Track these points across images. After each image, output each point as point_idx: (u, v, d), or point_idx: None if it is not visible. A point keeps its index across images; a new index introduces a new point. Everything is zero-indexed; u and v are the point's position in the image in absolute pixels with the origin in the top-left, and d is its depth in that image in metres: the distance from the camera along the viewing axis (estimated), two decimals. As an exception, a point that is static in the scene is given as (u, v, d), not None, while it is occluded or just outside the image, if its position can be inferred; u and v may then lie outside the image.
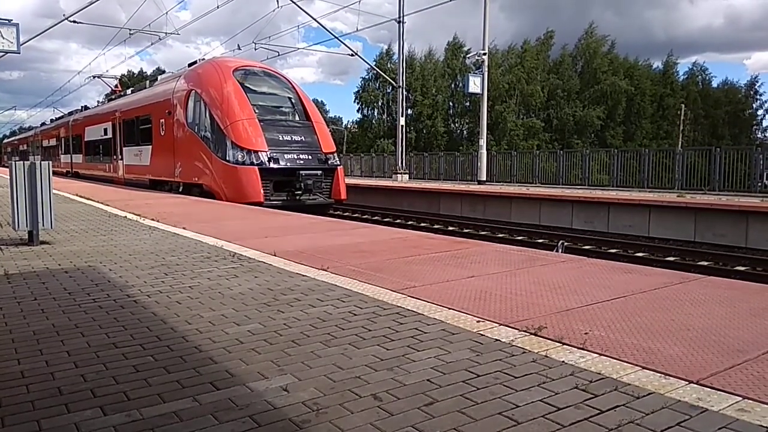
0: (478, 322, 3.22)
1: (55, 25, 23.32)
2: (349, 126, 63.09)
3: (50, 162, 6.54)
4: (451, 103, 54.37)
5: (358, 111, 58.07)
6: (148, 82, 21.54)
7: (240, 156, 13.05)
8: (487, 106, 21.26)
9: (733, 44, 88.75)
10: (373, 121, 55.78)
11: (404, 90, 24.28)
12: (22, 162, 6.32)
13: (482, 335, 2.99)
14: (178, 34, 27.78)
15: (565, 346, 2.80)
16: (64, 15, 21.94)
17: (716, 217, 12.05)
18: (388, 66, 48.06)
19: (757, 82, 56.32)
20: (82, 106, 30.58)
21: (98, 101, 32.09)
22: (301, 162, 13.61)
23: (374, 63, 46.20)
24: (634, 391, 2.26)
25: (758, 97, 56.01)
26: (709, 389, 2.27)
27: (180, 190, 15.60)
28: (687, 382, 2.34)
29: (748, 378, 2.38)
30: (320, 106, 58.23)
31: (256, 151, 13.07)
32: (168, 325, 3.22)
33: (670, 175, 17.14)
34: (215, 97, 14.03)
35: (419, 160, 28.21)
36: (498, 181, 21.77)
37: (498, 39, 64.95)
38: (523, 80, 49.99)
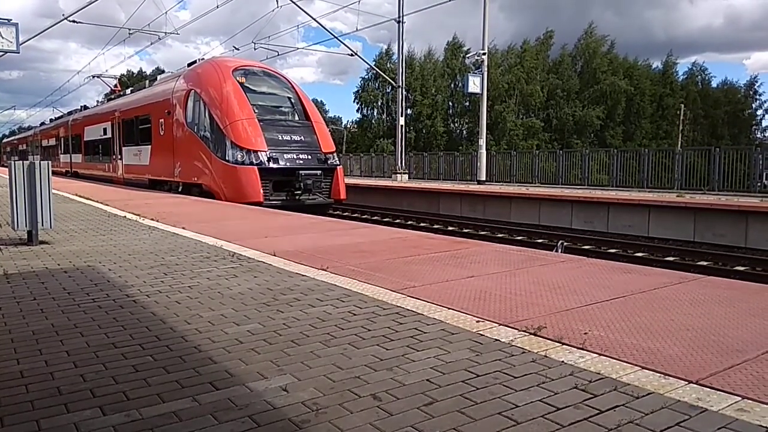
0: (477, 322, 3.22)
1: (55, 24, 23.35)
2: (348, 126, 63.12)
3: (49, 162, 6.53)
4: (450, 103, 54.38)
5: (357, 111, 58.17)
6: (147, 81, 21.53)
7: (239, 156, 13.05)
8: (486, 105, 21.26)
9: (732, 44, 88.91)
10: (373, 121, 55.79)
11: (404, 90, 24.27)
12: (21, 162, 6.32)
13: (482, 335, 2.99)
14: (177, 33, 27.82)
15: (564, 346, 2.80)
16: (63, 15, 22.00)
17: (716, 217, 12.05)
18: (388, 66, 48.08)
19: (757, 82, 56.42)
20: (81, 106, 30.58)
21: (97, 101, 32.14)
22: (301, 162, 13.61)
23: (374, 63, 46.22)
24: (634, 391, 2.26)
25: (758, 97, 56.14)
26: (708, 389, 2.27)
27: (179, 189, 15.59)
28: (686, 382, 2.34)
29: (748, 378, 2.38)
30: (320, 105, 58.26)
31: (255, 151, 13.07)
32: (167, 324, 3.22)
33: (669, 175, 17.15)
34: (215, 97, 14.02)
35: (419, 160, 28.21)
36: (497, 181, 21.77)
37: (497, 39, 65.02)
38: (523, 80, 49.99)
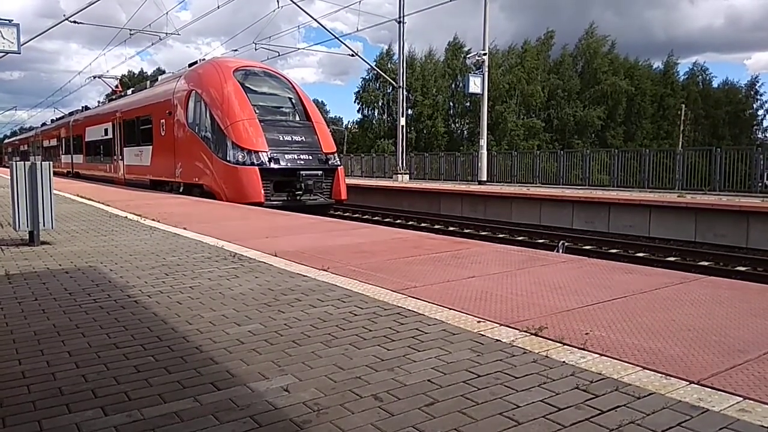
0: (478, 322, 3.22)
1: (56, 25, 23.39)
2: (349, 126, 63.09)
3: (51, 162, 6.54)
4: (451, 104, 54.36)
5: (358, 111, 58.13)
6: (148, 82, 21.55)
7: (240, 156, 13.06)
8: (487, 106, 21.26)
9: (733, 44, 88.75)
10: (374, 122, 55.75)
11: (404, 90, 24.27)
12: (22, 162, 6.32)
13: (483, 335, 2.99)
14: (178, 34, 27.84)
15: (565, 346, 2.80)
16: (64, 15, 21.99)
17: (717, 218, 12.04)
18: (389, 66, 48.02)
19: (758, 82, 56.40)
20: (82, 107, 30.63)
21: (99, 101, 32.15)
22: (302, 162, 13.61)
23: (374, 63, 46.18)
24: (635, 392, 2.26)
25: (759, 97, 56.10)
26: (709, 389, 2.27)
27: (180, 190, 15.60)
28: (688, 383, 2.34)
29: (749, 378, 2.38)
30: (320, 106, 58.22)
31: (256, 152, 13.08)
32: (169, 325, 3.22)
33: (670, 175, 17.12)
34: (216, 98, 14.03)
35: (420, 161, 28.21)
36: (498, 181, 21.76)
37: (498, 39, 65.01)
38: (524, 80, 49.98)
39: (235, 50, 26.71)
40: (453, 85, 52.95)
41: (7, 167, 13.02)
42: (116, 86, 30.90)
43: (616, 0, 76.52)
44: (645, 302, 3.64)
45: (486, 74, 20.65)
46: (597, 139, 50.19)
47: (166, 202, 12.32)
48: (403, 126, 24.25)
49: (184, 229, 7.53)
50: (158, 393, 2.28)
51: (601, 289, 3.99)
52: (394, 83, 26.48)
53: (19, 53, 17.23)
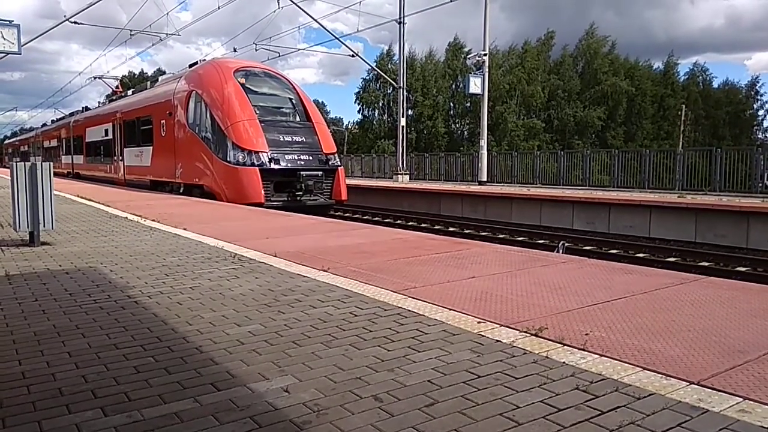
0: (478, 323, 3.22)
1: (56, 26, 23.38)
2: (349, 127, 63.13)
3: (51, 163, 6.54)
4: (451, 104, 54.35)
5: (358, 112, 58.13)
6: (149, 83, 21.56)
7: (241, 157, 13.06)
8: (487, 106, 21.26)
9: (733, 45, 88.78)
10: (374, 122, 55.75)
11: (405, 91, 24.28)
12: (23, 163, 6.33)
13: (483, 336, 2.99)
14: (178, 34, 27.86)
15: (565, 347, 2.80)
16: (65, 16, 21.99)
17: (717, 218, 12.04)
18: (389, 67, 48.02)
19: (758, 82, 56.31)
20: (83, 107, 30.66)
21: (99, 102, 32.14)
22: (302, 163, 13.62)
23: (375, 64, 46.15)
24: (635, 392, 2.26)
25: (759, 97, 56.04)
26: (710, 390, 2.27)
27: (181, 191, 15.61)
28: (688, 383, 2.34)
29: (749, 379, 2.38)
30: (321, 106, 58.23)
31: (256, 152, 13.08)
32: (169, 326, 3.22)
33: (670, 175, 17.12)
34: (216, 98, 14.04)
35: (420, 161, 28.21)
36: (499, 181, 21.76)
37: (498, 39, 64.97)
38: (524, 81, 49.97)
39: (235, 50, 26.65)
40: (453, 86, 52.94)
41: (8, 168, 13.03)
42: (117, 87, 30.91)
43: (616, 0, 76.62)
44: (645, 303, 3.64)
45: (486, 75, 20.65)
46: (597, 139, 50.18)
47: (167, 203, 12.32)
48: (403, 126, 24.26)
49: (185, 229, 7.53)
50: (158, 393, 2.28)
51: (601, 290, 3.99)
52: (394, 84, 26.48)
53: (20, 54, 17.23)
